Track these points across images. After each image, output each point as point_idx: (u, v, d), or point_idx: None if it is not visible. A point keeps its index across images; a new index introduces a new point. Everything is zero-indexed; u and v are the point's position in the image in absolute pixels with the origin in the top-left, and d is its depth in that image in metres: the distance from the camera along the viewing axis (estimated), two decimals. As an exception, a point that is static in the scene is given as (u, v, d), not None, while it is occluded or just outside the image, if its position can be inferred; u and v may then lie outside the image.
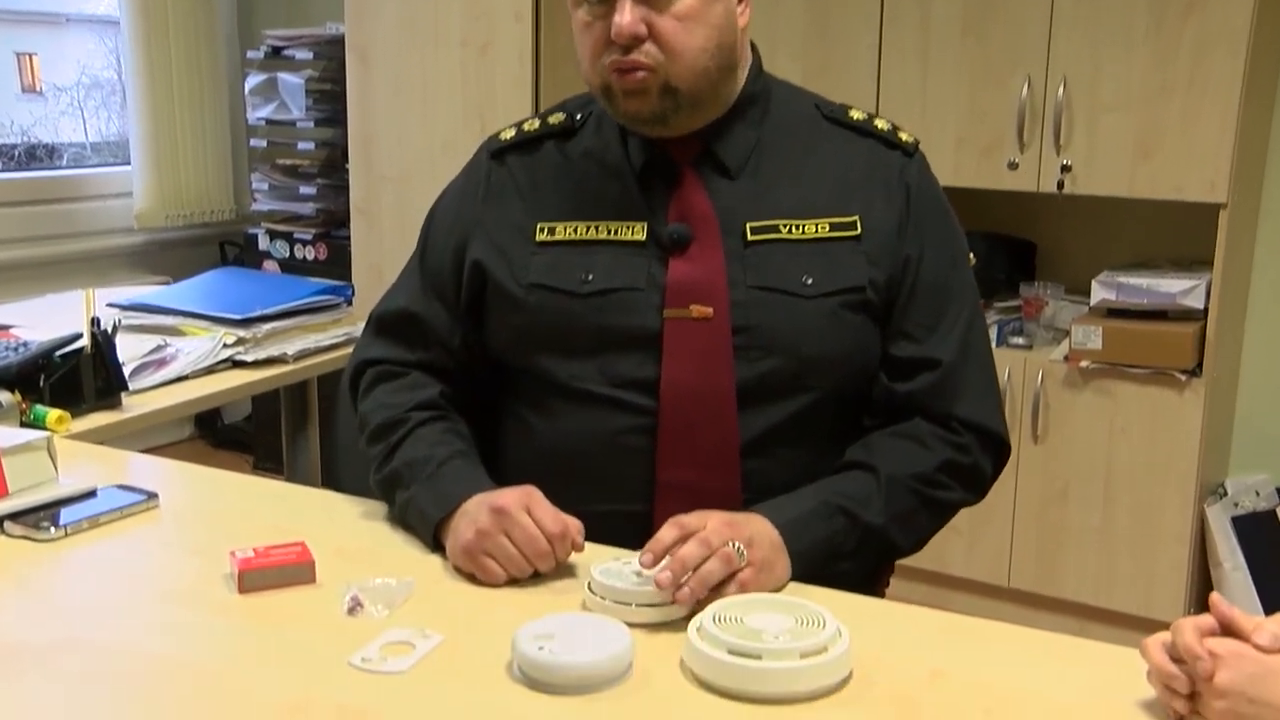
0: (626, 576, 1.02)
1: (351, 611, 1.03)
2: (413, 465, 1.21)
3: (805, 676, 0.89)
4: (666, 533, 1.04)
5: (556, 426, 1.25)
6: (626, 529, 1.19)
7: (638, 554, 1.04)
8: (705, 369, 1.20)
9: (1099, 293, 2.55)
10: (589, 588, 1.02)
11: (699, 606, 1.00)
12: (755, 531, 1.08)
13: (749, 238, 1.22)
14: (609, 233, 1.24)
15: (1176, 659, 0.86)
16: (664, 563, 1.02)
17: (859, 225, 1.23)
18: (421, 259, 1.34)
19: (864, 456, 1.21)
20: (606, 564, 1.05)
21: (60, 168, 3.67)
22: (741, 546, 1.04)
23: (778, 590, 1.08)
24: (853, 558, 1.17)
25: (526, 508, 1.10)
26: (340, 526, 1.24)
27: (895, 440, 1.23)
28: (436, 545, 1.16)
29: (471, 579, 1.10)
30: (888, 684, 0.93)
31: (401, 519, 1.22)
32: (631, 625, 0.96)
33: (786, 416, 1.22)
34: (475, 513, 1.11)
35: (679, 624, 0.99)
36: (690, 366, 1.20)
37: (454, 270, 1.31)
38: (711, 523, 1.05)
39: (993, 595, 2.67)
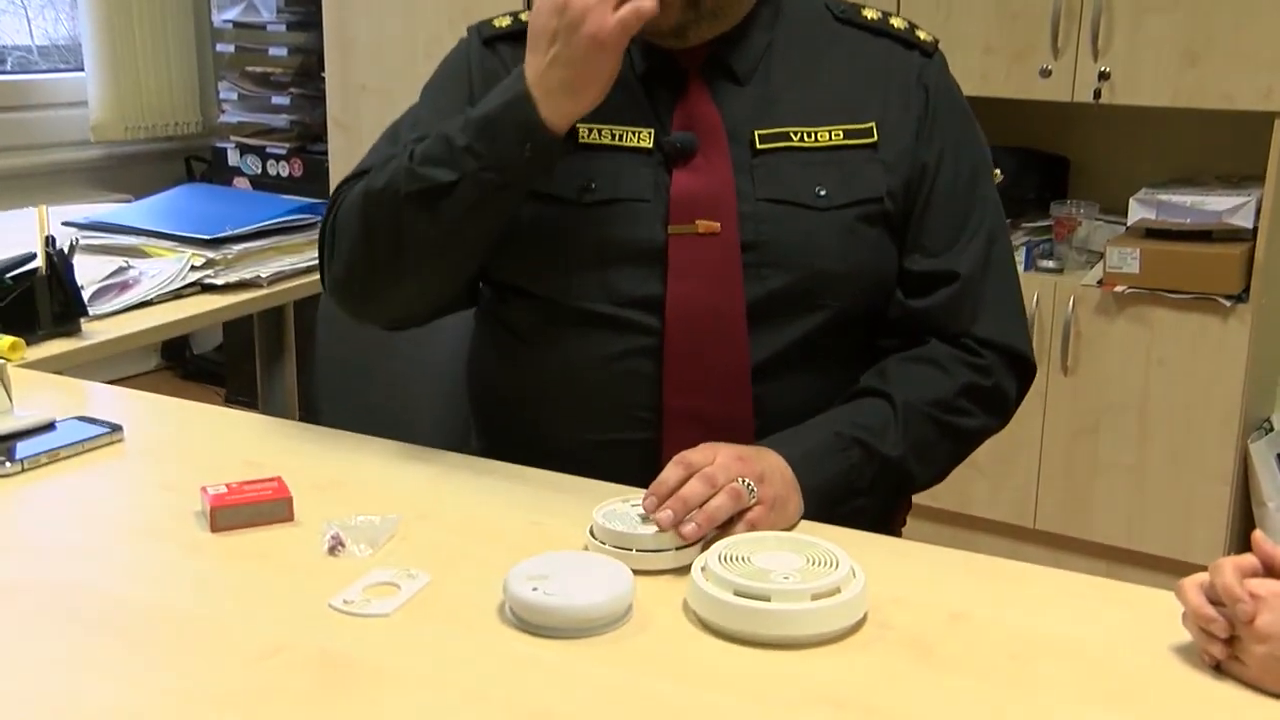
0: (630, 519, 1.03)
1: (332, 551, 1.04)
2: (449, 130, 1.14)
3: (816, 619, 0.90)
4: (671, 472, 1.05)
5: (553, 350, 1.25)
6: (632, 460, 1.20)
7: (643, 493, 1.05)
8: (713, 287, 1.21)
9: (1137, 211, 2.53)
10: (590, 532, 1.03)
11: (705, 548, 1.00)
12: (767, 467, 1.09)
13: (757, 146, 1.22)
14: (613, 137, 1.23)
15: (1215, 601, 0.87)
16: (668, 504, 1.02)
17: (875, 132, 1.23)
18: (409, 130, 1.29)
19: (879, 384, 1.22)
20: (609, 505, 1.06)
21: (4, 72, 3.60)
22: (751, 483, 1.05)
23: (789, 529, 1.08)
24: (869, 493, 1.18)
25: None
26: (319, 461, 1.25)
27: (912, 365, 1.23)
28: (539, 131, 1.13)
29: (455, 521, 1.11)
30: (904, 627, 0.93)
31: (470, 152, 1.14)
32: (636, 572, 0.96)
33: (799, 337, 1.23)
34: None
35: (682, 566, 1.00)
36: (697, 284, 1.21)
37: None
38: (720, 456, 1.06)
39: (1017, 537, 2.70)
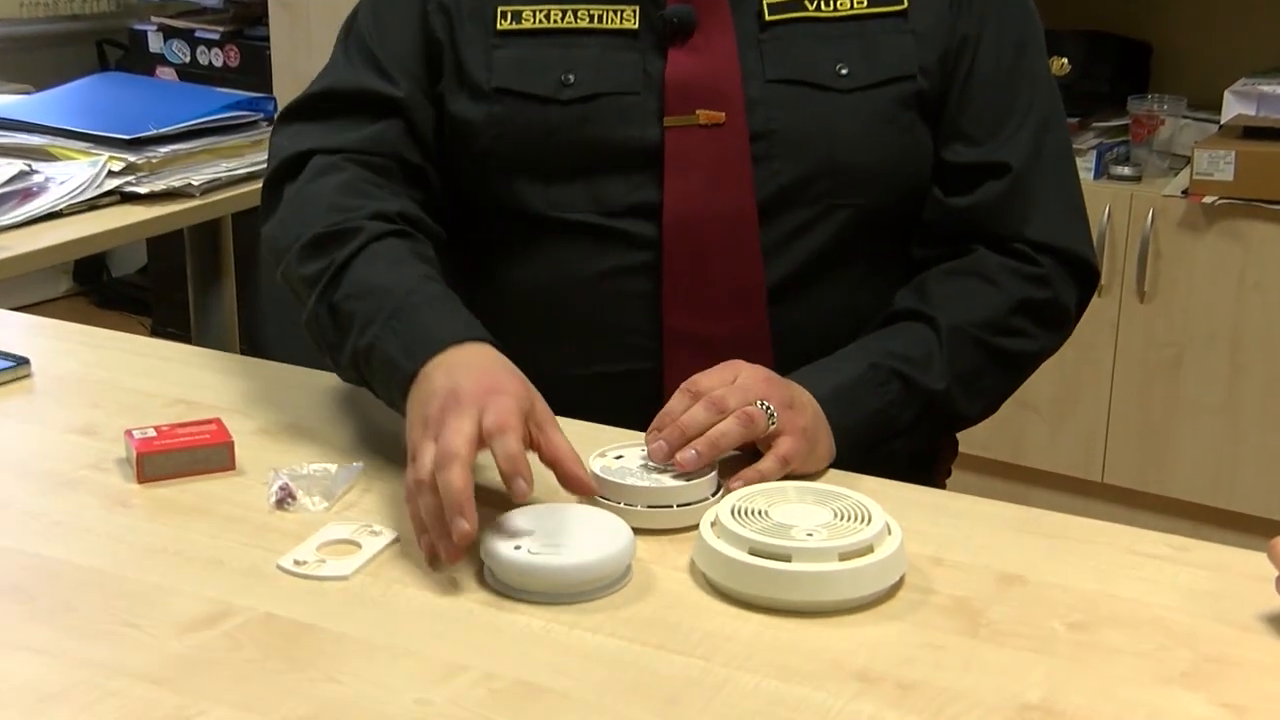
0: (632, 468, 1.04)
1: (281, 504, 1.05)
2: (371, 294, 1.14)
3: (845, 582, 0.91)
4: (676, 400, 1.06)
5: (533, 271, 1.27)
6: (629, 394, 1.21)
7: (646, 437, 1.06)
8: (718, 188, 1.21)
9: (1233, 107, 2.52)
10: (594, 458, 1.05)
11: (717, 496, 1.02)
12: (798, 395, 1.10)
13: (766, 17, 1.22)
14: (592, 19, 1.23)
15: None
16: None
17: None
18: (370, 40, 1.30)
19: (919, 304, 1.23)
20: (608, 453, 1.07)
21: None
22: (772, 407, 1.05)
23: (817, 476, 1.10)
24: (909, 433, 1.19)
25: (478, 412, 0.99)
26: (265, 400, 1.26)
27: (956, 280, 1.24)
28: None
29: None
30: (947, 592, 0.95)
31: (355, 375, 1.17)
32: (638, 531, 0.98)
33: (820, 246, 1.24)
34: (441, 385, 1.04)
35: (691, 524, 1.01)
36: (700, 186, 1.21)
37: (421, 50, 1.28)
38: (742, 376, 1.07)
39: (1081, 492, 2.72)
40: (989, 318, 1.22)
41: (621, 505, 1.01)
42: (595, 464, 1.04)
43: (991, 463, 2.70)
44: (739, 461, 1.07)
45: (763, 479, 1.03)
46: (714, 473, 1.04)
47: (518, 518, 0.96)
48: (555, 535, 0.94)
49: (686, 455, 1.02)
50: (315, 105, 1.31)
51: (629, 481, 1.02)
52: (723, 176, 1.21)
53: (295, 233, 1.21)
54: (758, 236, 1.22)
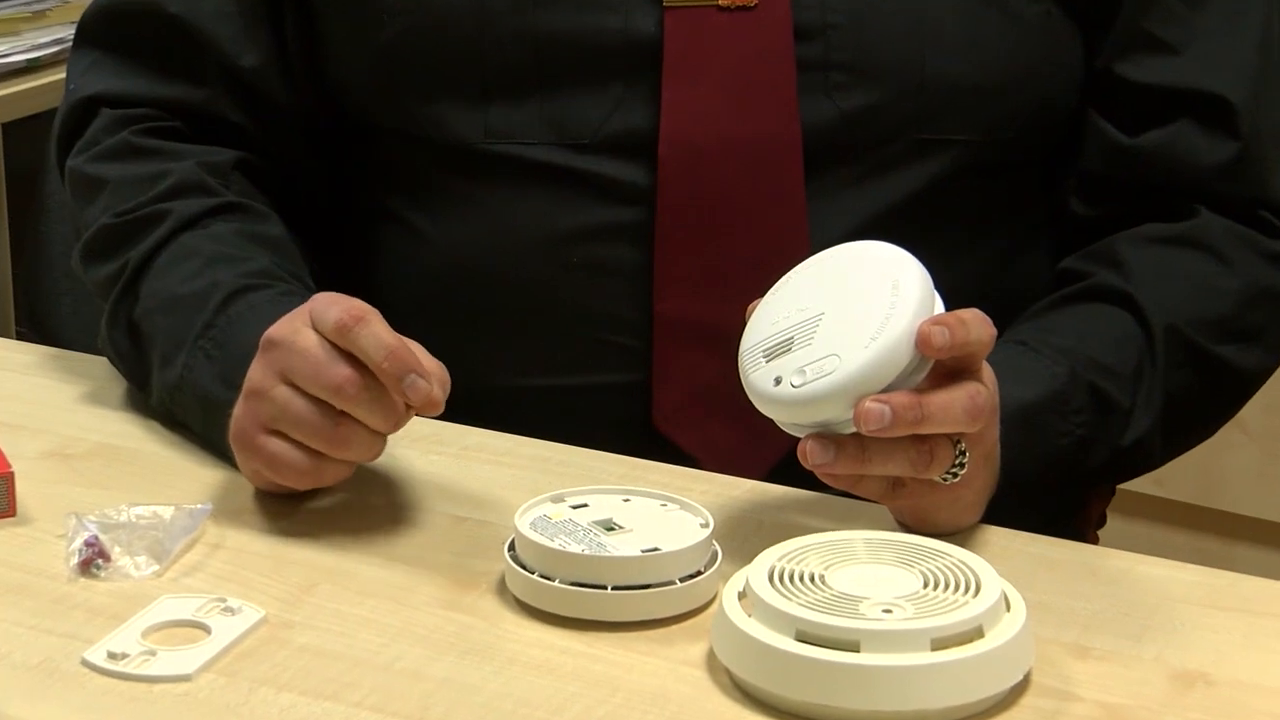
0: (600, 532, 1.04)
1: (87, 567, 1.05)
2: (178, 306, 1.20)
3: (941, 682, 0.91)
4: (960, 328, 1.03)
5: (463, 235, 1.28)
6: (604, 415, 1.24)
7: (622, 488, 1.08)
8: (744, 108, 1.23)
9: None
10: (509, 549, 1.05)
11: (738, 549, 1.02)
12: (997, 433, 1.10)
13: None
14: None
15: None
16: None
17: None
18: None
19: (1116, 277, 1.24)
20: (565, 498, 1.07)
21: None
22: (966, 450, 1.05)
23: (951, 533, 1.10)
24: (1091, 480, 1.24)
25: (309, 315, 1.08)
26: (58, 407, 1.27)
27: (1169, 253, 1.26)
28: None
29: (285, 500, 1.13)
30: (1095, 696, 0.94)
31: (164, 409, 1.22)
32: (600, 625, 0.99)
33: (900, 201, 1.25)
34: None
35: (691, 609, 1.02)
36: (716, 103, 1.23)
37: None
38: (987, 373, 1.05)
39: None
40: (1220, 313, 1.24)
41: (573, 587, 1.01)
42: (528, 518, 1.04)
43: (1169, 505, 2.70)
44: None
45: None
46: (709, 531, 1.05)
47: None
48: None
49: (871, 412, 0.99)
50: (109, 22, 1.35)
51: (596, 548, 1.02)
52: (752, 90, 1.22)
53: (83, 219, 1.26)
54: (803, 185, 1.23)
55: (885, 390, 0.99)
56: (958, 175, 1.26)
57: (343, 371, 1.03)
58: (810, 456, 1.00)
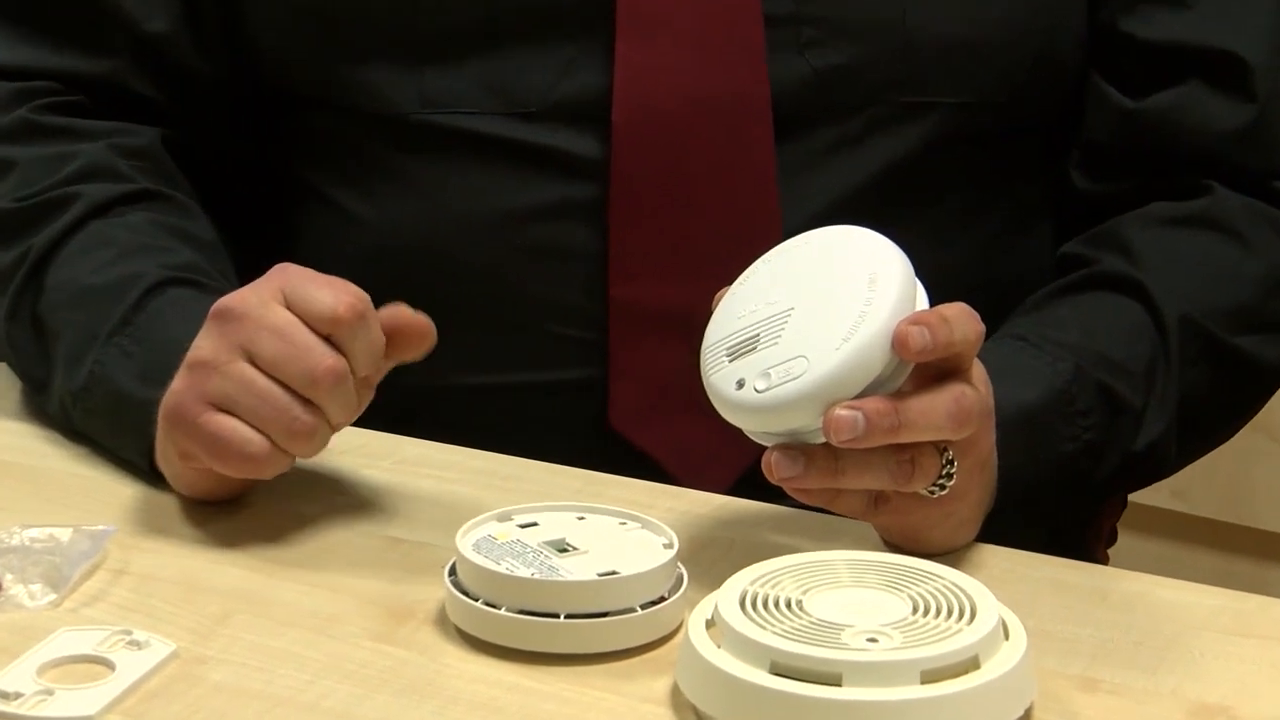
0: (554, 553, 1.04)
1: (-24, 597, 1.04)
2: (86, 299, 1.20)
3: (933, 718, 0.90)
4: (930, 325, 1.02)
5: (395, 215, 1.29)
6: (555, 416, 1.25)
7: (576, 505, 1.08)
8: (708, 69, 1.23)
9: None
10: (450, 574, 1.04)
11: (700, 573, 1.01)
12: (992, 440, 1.09)
13: None
14: None
15: None
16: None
17: None
18: None
19: (1123, 263, 1.24)
20: (513, 517, 1.07)
21: None
22: (954, 458, 1.04)
23: (944, 553, 1.10)
24: (1094, 496, 1.24)
25: (280, 292, 1.07)
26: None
27: (1180, 235, 1.26)
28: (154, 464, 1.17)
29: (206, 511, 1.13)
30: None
31: (70, 414, 1.21)
32: (549, 659, 0.98)
33: (882, 171, 1.26)
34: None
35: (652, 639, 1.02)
36: (676, 59, 1.23)
37: None
38: (977, 371, 1.05)
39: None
40: (1239, 301, 1.24)
41: (522, 616, 1.00)
42: (471, 539, 1.04)
43: (1192, 521, 2.71)
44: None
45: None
46: (673, 552, 1.04)
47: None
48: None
49: (842, 419, 0.98)
50: None
51: (547, 572, 1.02)
52: (715, 47, 1.23)
53: None
54: (773, 154, 1.24)
55: (859, 396, 0.99)
56: (945, 144, 1.27)
57: (327, 360, 1.03)
58: (776, 469, 0.99)
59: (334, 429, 1.06)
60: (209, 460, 1.07)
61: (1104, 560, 1.37)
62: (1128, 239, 1.25)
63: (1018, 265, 1.29)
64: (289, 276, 1.07)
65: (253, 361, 1.05)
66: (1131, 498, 1.45)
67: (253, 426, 1.05)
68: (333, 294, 1.04)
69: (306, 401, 1.04)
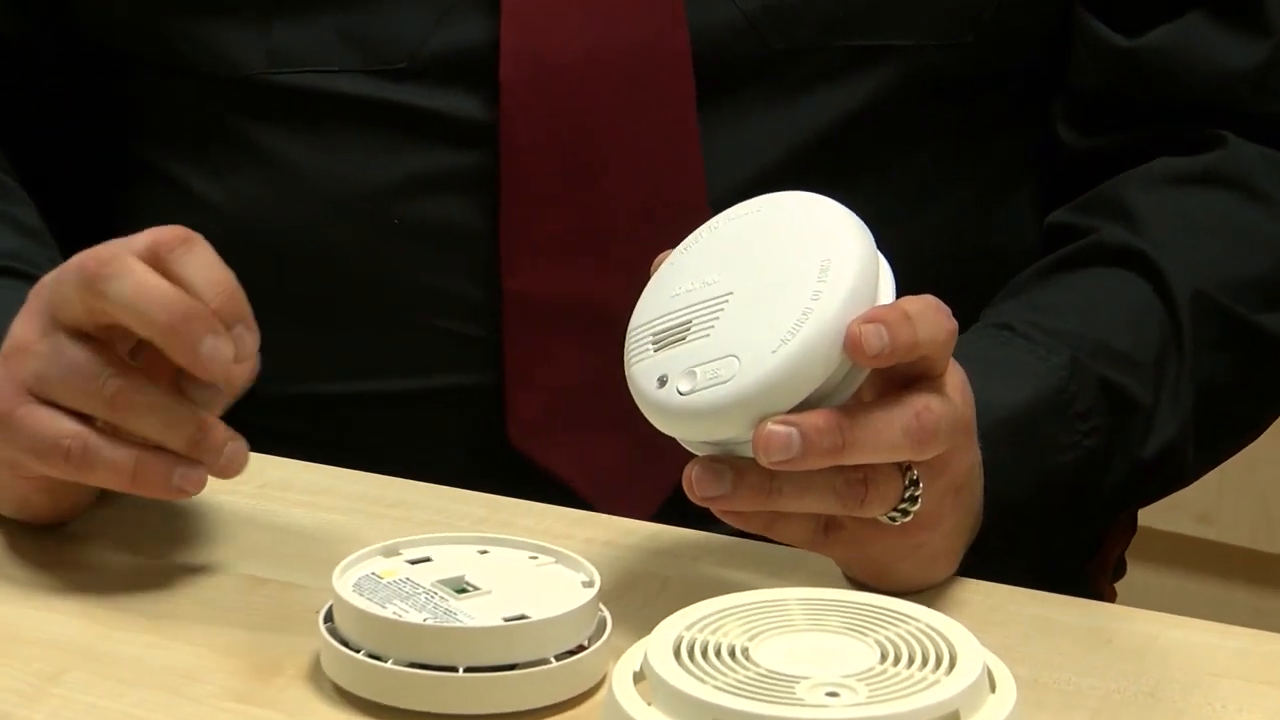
0: (425, 592, 1.04)
1: None
2: None
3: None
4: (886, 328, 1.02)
5: (255, 191, 1.31)
6: (442, 431, 1.25)
7: (478, 536, 1.08)
8: (613, 11, 1.25)
9: None
10: (325, 619, 1.04)
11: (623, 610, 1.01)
12: (973, 455, 1.10)
13: None
14: None
15: None
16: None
17: None
18: None
19: (1126, 233, 1.25)
20: (402, 551, 1.08)
21: None
22: (918, 478, 1.04)
23: (917, 591, 1.11)
24: (1098, 514, 1.25)
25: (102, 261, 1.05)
26: None
27: (1191, 194, 1.28)
28: None
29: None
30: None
31: None
32: None
33: (829, 129, 1.27)
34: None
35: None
36: (576, 8, 1.24)
37: None
38: (952, 381, 1.04)
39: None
40: (1262, 271, 1.26)
41: (413, 670, 1.01)
42: (351, 578, 1.04)
43: (1218, 550, 2.73)
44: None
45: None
46: (594, 592, 1.04)
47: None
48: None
49: (773, 438, 0.98)
50: None
51: (442, 617, 1.02)
52: None
53: None
54: (694, 112, 1.25)
55: (800, 407, 0.98)
56: (904, 97, 1.28)
57: (157, 289, 1.02)
58: (697, 486, 0.99)
59: (212, 387, 1.04)
60: (32, 460, 1.07)
61: (1110, 596, 1.38)
62: (1128, 203, 1.26)
63: (995, 239, 1.30)
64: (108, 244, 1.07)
65: (71, 335, 1.05)
66: (1146, 522, 1.46)
67: (73, 413, 1.05)
68: (154, 230, 1.04)
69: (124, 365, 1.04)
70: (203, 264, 1.02)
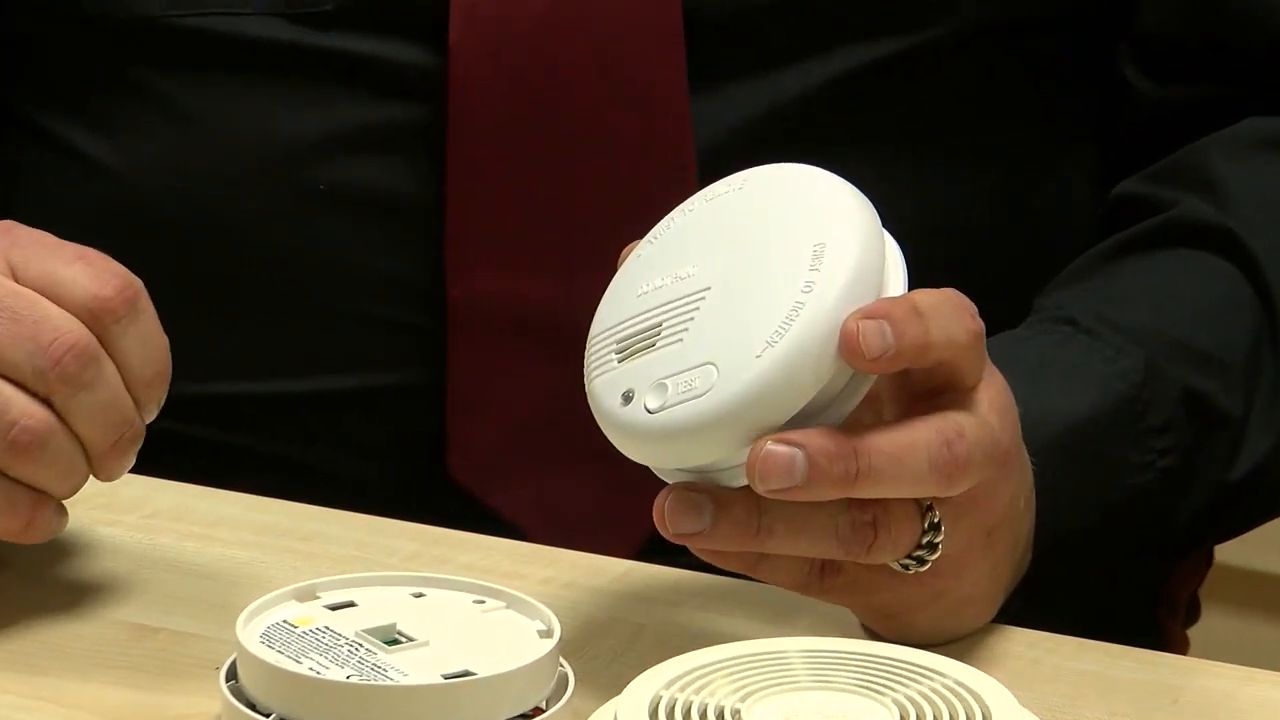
0: (349, 644, 1.04)
1: None
2: None
3: None
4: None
5: (157, 153, 1.32)
6: (371, 442, 1.26)
7: (412, 575, 1.09)
8: None
9: None
10: (227, 677, 1.04)
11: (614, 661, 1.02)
12: (1018, 480, 1.09)
13: None
14: None
15: None
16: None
17: None
18: None
19: (1209, 209, 1.26)
20: (320, 594, 1.08)
21: None
22: (939, 521, 1.04)
23: (943, 642, 1.10)
24: (1172, 550, 1.26)
25: (6, 262, 1.07)
26: None
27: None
28: None
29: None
30: None
31: None
32: None
33: (838, 83, 1.29)
34: None
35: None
36: None
37: None
38: (986, 397, 1.03)
39: None
40: None
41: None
42: (258, 627, 1.04)
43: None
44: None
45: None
46: (553, 643, 1.04)
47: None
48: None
49: (777, 454, 0.98)
50: None
51: (369, 673, 1.02)
52: None
53: None
54: (684, 70, 1.25)
55: (791, 425, 0.98)
56: (936, 43, 1.29)
57: (69, 335, 1.03)
58: (670, 520, 0.99)
59: (92, 455, 1.06)
60: None
61: (1181, 645, 1.38)
62: (1211, 171, 1.26)
63: (1048, 211, 1.31)
64: (17, 239, 1.08)
65: None
66: (1224, 558, 1.46)
67: None
68: (92, 273, 1.04)
69: (35, 397, 1.04)
70: (143, 336, 1.03)
